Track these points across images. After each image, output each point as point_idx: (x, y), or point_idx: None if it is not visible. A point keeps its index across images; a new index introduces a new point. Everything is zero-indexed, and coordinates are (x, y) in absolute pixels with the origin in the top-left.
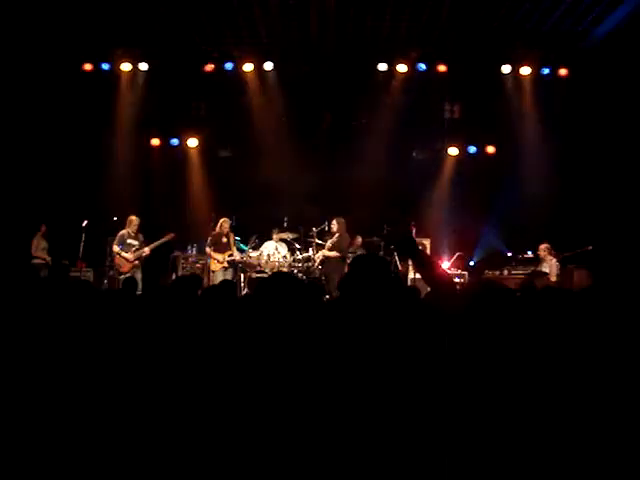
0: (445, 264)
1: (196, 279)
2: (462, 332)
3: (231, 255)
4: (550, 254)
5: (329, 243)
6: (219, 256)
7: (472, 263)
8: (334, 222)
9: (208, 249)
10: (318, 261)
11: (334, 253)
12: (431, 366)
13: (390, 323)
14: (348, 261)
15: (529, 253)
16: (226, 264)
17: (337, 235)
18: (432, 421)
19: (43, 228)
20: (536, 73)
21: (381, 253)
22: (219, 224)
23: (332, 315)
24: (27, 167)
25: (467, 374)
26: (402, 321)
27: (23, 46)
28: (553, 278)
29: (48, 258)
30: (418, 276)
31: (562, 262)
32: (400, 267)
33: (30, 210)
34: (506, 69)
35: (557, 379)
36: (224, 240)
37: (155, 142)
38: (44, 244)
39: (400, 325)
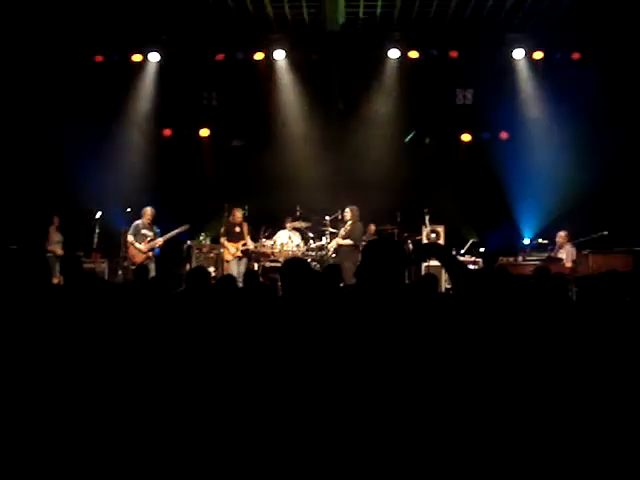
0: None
1: (203, 272)
2: (477, 319)
3: (245, 244)
4: (568, 241)
5: (342, 231)
6: (232, 246)
7: (483, 250)
8: (347, 210)
9: (222, 239)
10: (332, 249)
11: (348, 241)
12: (446, 355)
13: (407, 310)
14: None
15: (543, 240)
16: (240, 254)
17: (350, 223)
18: (446, 410)
19: (56, 220)
20: (548, 57)
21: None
22: (232, 213)
23: (348, 302)
24: (40, 158)
25: (481, 363)
26: (419, 309)
27: (35, 37)
28: (568, 264)
29: (60, 251)
30: (433, 263)
31: (578, 247)
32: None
33: (43, 202)
34: (518, 54)
35: (570, 367)
36: (237, 230)
37: (167, 132)
38: (58, 237)
39: (416, 313)
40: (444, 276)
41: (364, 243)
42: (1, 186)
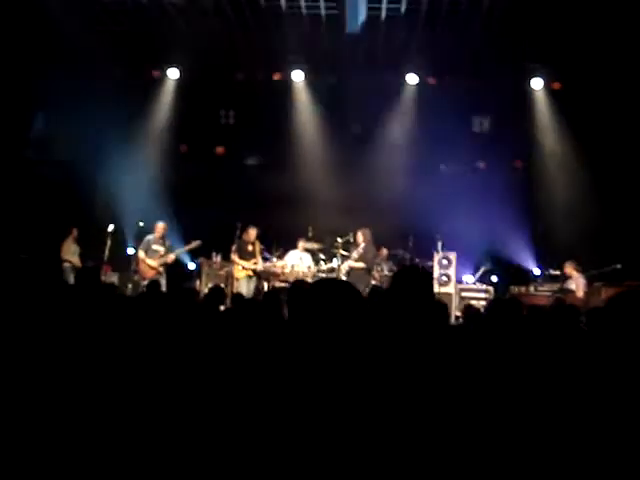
0: (471, 278)
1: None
2: (490, 348)
3: (256, 263)
4: (577, 271)
5: (355, 254)
6: (244, 263)
7: (496, 279)
8: (359, 233)
9: (233, 256)
10: (344, 272)
11: (360, 264)
12: (459, 383)
13: (424, 337)
14: (374, 273)
15: (554, 271)
16: (251, 272)
17: (363, 246)
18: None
19: (74, 232)
20: (565, 87)
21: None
22: (246, 232)
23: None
24: (58, 172)
25: (495, 391)
26: (434, 336)
27: (57, 50)
28: (580, 294)
29: (77, 262)
30: (444, 290)
31: (589, 280)
32: None
33: (61, 213)
34: (536, 83)
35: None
36: (249, 248)
37: (183, 148)
38: (74, 248)
39: (432, 340)
40: (454, 303)
41: (376, 266)
42: (20, 196)
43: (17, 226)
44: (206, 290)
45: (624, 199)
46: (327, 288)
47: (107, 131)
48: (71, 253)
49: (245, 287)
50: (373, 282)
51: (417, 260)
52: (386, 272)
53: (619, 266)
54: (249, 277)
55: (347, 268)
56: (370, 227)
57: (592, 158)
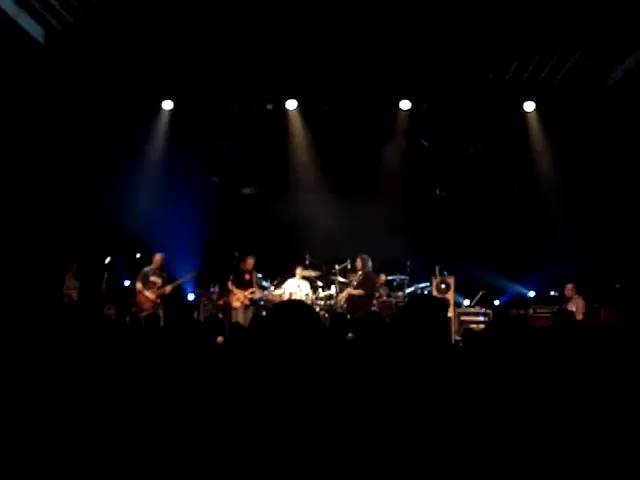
0: (468, 302)
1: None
2: (491, 371)
3: (253, 292)
4: (577, 293)
5: (354, 281)
6: (241, 293)
7: (497, 302)
8: (358, 259)
9: (230, 285)
10: (344, 299)
11: (359, 291)
12: (461, 407)
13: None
14: (374, 301)
15: (552, 292)
16: (247, 302)
17: (361, 272)
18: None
19: (74, 268)
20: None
21: (405, 290)
22: (244, 261)
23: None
24: (55, 206)
25: (497, 415)
26: (438, 361)
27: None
28: (579, 316)
29: (76, 296)
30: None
31: (587, 301)
32: None
33: (59, 249)
34: (529, 106)
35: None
36: (247, 277)
37: (180, 179)
38: (74, 283)
39: (435, 365)
40: (454, 327)
41: (377, 293)
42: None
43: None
44: None
45: (621, 217)
46: (281, 312)
47: (102, 161)
48: (71, 288)
49: (242, 316)
50: (373, 308)
51: (416, 286)
52: (384, 298)
53: (618, 286)
54: (246, 307)
55: (346, 295)
56: (368, 252)
57: (586, 178)
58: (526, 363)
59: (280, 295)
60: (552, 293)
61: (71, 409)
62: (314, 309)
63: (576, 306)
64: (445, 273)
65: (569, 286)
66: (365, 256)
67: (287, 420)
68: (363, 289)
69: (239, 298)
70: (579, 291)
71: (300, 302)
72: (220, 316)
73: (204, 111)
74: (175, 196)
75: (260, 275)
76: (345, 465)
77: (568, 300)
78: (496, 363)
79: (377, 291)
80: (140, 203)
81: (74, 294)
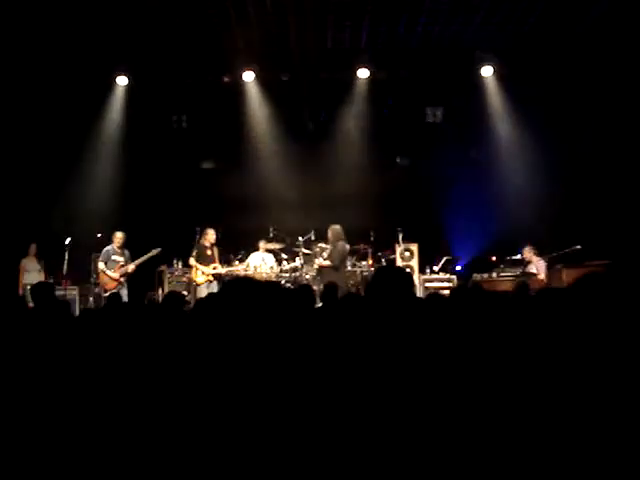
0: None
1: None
2: (456, 337)
3: (215, 268)
4: (536, 255)
5: (324, 252)
6: (204, 268)
7: (459, 267)
8: (329, 231)
9: (192, 260)
10: (314, 271)
11: (327, 262)
12: (431, 375)
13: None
14: (344, 271)
15: (515, 255)
16: (211, 277)
17: (331, 244)
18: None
19: (33, 248)
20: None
21: (369, 259)
22: (205, 234)
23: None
24: (7, 184)
25: (466, 380)
26: (405, 327)
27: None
28: (542, 276)
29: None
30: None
31: (549, 262)
32: None
33: (15, 230)
34: (486, 71)
35: (559, 382)
36: (208, 252)
37: (138, 156)
38: (34, 265)
39: (403, 331)
40: (419, 293)
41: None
42: None
43: None
44: None
45: (582, 180)
46: (231, 289)
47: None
48: (35, 271)
49: (205, 292)
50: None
51: (379, 254)
52: (349, 268)
53: (579, 247)
54: (209, 282)
55: (316, 267)
56: (330, 223)
57: (546, 142)
58: (489, 329)
59: (245, 269)
60: (514, 257)
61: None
62: (272, 283)
63: (537, 268)
64: (408, 241)
65: (526, 248)
66: (335, 227)
67: (255, 388)
68: (330, 260)
69: (202, 274)
70: (539, 253)
71: (251, 279)
72: (185, 292)
73: (160, 85)
74: (134, 172)
75: (222, 249)
76: (317, 436)
77: (528, 262)
78: (460, 329)
79: (344, 263)
80: (98, 180)
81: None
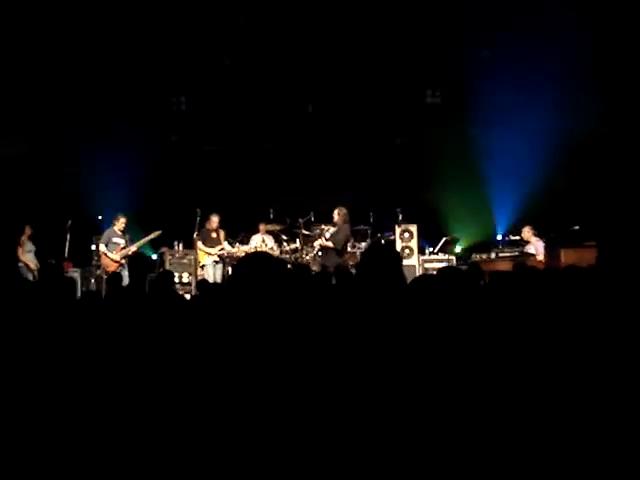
0: (431, 249)
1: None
2: (458, 317)
3: (222, 250)
4: (534, 235)
5: (328, 233)
6: (211, 250)
7: (459, 248)
8: (335, 212)
9: (199, 244)
10: (316, 250)
11: (329, 243)
12: (432, 354)
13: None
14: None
15: (512, 236)
16: (217, 258)
17: (338, 225)
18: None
19: (28, 230)
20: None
21: (368, 240)
22: (209, 220)
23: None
24: (8, 169)
25: (468, 360)
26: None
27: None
28: (540, 257)
29: (33, 264)
30: (406, 262)
31: (547, 243)
32: None
33: (13, 212)
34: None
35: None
36: (214, 235)
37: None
38: (30, 247)
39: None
40: (418, 274)
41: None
42: None
43: None
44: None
45: (580, 159)
46: (247, 263)
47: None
48: (26, 252)
49: (212, 273)
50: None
51: (378, 235)
52: (348, 249)
53: (577, 227)
54: (215, 263)
55: (317, 246)
56: (330, 205)
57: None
58: (480, 307)
59: (246, 251)
60: (513, 237)
61: (34, 374)
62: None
63: (535, 248)
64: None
65: (526, 229)
66: (342, 209)
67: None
68: (333, 242)
69: (209, 255)
70: (537, 233)
71: (264, 253)
72: (188, 274)
73: (159, 66)
74: (134, 155)
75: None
76: (325, 416)
77: (527, 243)
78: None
79: (346, 247)
80: (98, 164)
81: (31, 264)
